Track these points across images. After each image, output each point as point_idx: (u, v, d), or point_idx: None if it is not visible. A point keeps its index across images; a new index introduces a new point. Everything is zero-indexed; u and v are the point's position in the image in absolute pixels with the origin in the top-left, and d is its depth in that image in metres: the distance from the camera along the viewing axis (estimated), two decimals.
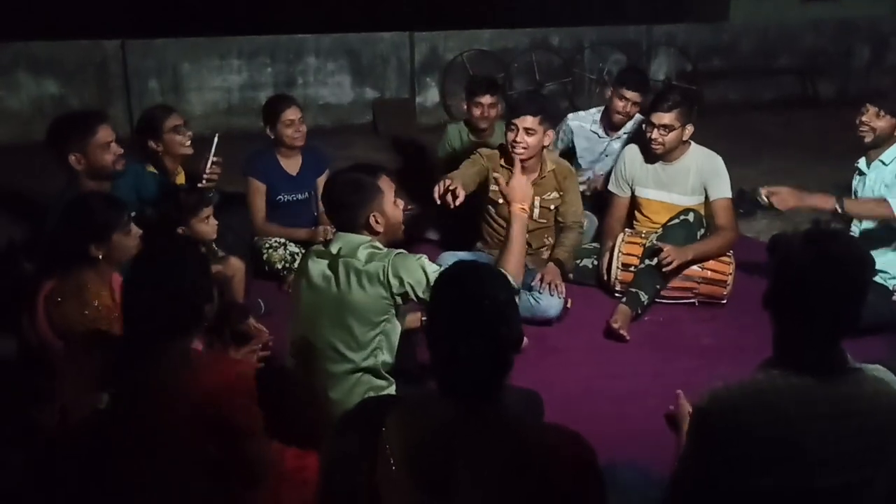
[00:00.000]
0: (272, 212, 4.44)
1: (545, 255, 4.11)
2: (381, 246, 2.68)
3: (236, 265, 3.65)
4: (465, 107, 4.88)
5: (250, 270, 3.96)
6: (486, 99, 4.75)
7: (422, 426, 1.79)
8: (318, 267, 2.70)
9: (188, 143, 3.86)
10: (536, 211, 3.98)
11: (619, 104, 4.63)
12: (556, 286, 3.80)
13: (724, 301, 3.95)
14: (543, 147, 3.91)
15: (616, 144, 4.79)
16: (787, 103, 9.29)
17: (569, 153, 5.01)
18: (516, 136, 3.79)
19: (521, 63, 8.55)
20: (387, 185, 2.71)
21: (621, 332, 3.62)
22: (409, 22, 8.41)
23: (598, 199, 4.80)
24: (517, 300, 1.99)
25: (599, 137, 4.84)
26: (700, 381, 3.19)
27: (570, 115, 4.99)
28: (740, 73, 9.31)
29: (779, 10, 9.77)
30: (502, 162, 3.96)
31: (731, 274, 3.91)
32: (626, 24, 9.13)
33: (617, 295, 4.05)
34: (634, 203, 4.30)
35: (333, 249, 2.68)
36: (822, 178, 6.37)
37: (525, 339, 3.51)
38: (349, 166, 2.87)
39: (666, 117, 3.95)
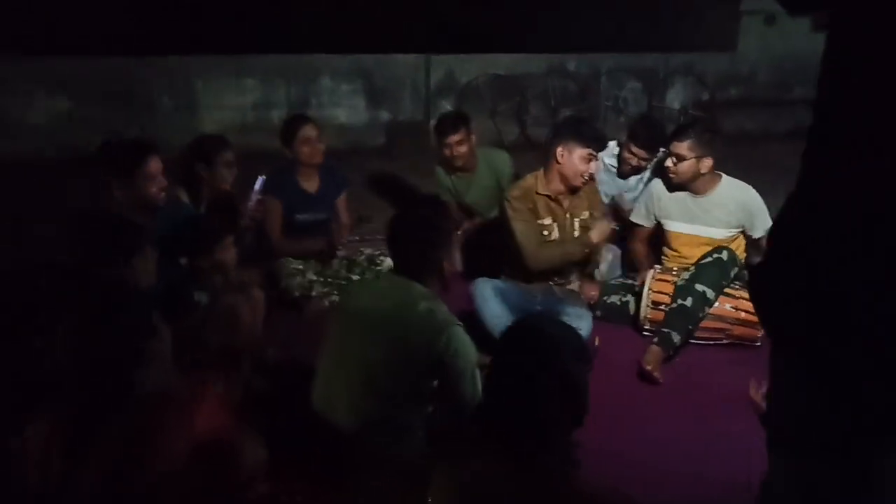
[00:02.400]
0: (290, 232, 4.35)
1: (574, 283, 4.05)
2: (441, 303, 2.55)
3: (256, 296, 3.53)
4: (439, 148, 4.78)
5: (268, 300, 3.84)
6: (453, 138, 4.66)
7: (470, 478, 1.71)
8: (367, 306, 2.56)
9: (231, 180, 3.83)
10: (576, 233, 3.92)
11: (627, 156, 4.56)
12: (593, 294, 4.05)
13: (759, 343, 3.82)
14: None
15: (635, 179, 4.69)
16: (803, 134, 9.14)
17: None
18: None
19: (537, 89, 8.49)
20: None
21: (654, 374, 3.50)
22: (426, 44, 8.33)
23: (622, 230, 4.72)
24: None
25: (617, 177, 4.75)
26: (738, 428, 3.12)
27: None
28: (757, 104, 9.25)
29: (788, 39, 9.65)
30: (538, 189, 3.87)
31: None
32: (644, 52, 9.05)
33: (646, 334, 3.93)
34: (663, 237, 4.20)
35: (389, 292, 2.55)
36: None
37: None
38: (418, 201, 2.77)
39: (680, 147, 3.90)
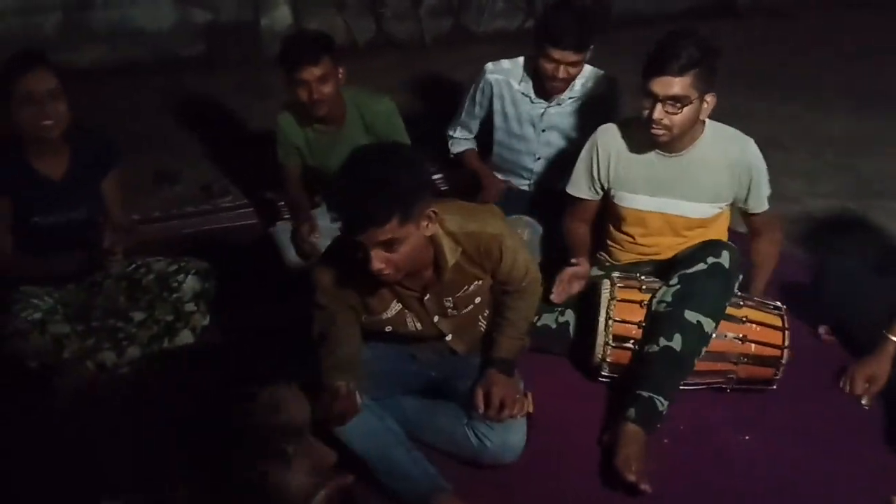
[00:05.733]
0: (24, 243, 2.69)
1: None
2: None
3: None
4: (288, 87, 3.07)
5: None
6: (313, 72, 2.95)
7: None
8: None
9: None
10: (451, 309, 2.26)
11: (548, 67, 3.03)
12: (512, 406, 2.16)
13: (774, 385, 2.51)
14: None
15: (557, 112, 3.22)
16: (702, 13, 7.93)
17: (486, 122, 3.42)
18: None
19: None
20: None
21: (641, 485, 2.11)
22: None
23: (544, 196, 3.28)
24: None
25: (532, 101, 3.24)
26: None
27: (489, 66, 3.33)
28: None
29: None
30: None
31: (785, 347, 2.46)
32: None
33: (603, 379, 2.55)
34: (612, 213, 2.77)
35: None
36: (773, 113, 5.10)
37: None
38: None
39: (675, 84, 2.39)
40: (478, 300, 2.25)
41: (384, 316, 2.20)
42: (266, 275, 3.12)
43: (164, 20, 6.24)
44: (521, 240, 2.32)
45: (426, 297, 2.18)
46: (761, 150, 2.65)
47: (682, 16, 7.76)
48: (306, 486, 1.16)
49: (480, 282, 2.21)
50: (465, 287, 2.20)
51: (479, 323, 2.35)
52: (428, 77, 5.51)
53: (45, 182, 2.70)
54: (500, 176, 3.41)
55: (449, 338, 2.30)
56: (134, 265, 2.83)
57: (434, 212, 1.97)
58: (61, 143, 2.72)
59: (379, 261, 1.91)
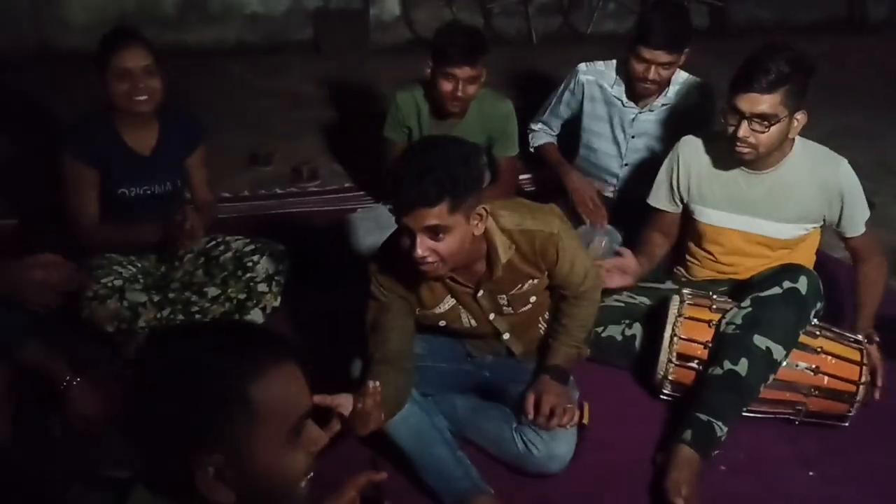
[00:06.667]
0: (109, 215, 2.78)
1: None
2: None
3: None
4: (430, 72, 3.10)
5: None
6: (465, 71, 3.00)
7: None
8: None
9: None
10: (506, 307, 2.22)
11: (639, 67, 2.96)
12: (562, 416, 2.11)
13: (846, 423, 2.37)
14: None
15: (648, 118, 3.14)
16: (829, 26, 7.55)
17: (570, 122, 3.37)
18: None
19: None
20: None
21: None
22: None
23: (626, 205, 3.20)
24: None
25: (624, 105, 3.17)
26: None
27: (582, 67, 3.28)
28: None
29: None
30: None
31: (862, 383, 2.32)
32: None
33: (664, 397, 2.47)
34: (692, 228, 2.68)
35: None
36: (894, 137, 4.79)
37: None
38: None
39: (764, 101, 2.29)
40: (533, 299, 2.22)
41: (437, 310, 2.19)
42: (341, 262, 3.15)
43: (277, 4, 6.39)
44: (581, 243, 2.26)
45: (479, 294, 2.16)
46: (873, 173, 2.52)
47: (806, 28, 7.42)
48: (298, 466, 1.15)
49: (535, 281, 2.18)
50: (520, 285, 2.17)
51: (539, 325, 2.32)
52: (530, 75, 5.44)
53: (133, 155, 2.79)
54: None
55: (506, 336, 2.28)
56: (214, 241, 2.91)
57: (485, 210, 1.96)
58: (152, 119, 2.81)
59: (424, 248, 1.91)
